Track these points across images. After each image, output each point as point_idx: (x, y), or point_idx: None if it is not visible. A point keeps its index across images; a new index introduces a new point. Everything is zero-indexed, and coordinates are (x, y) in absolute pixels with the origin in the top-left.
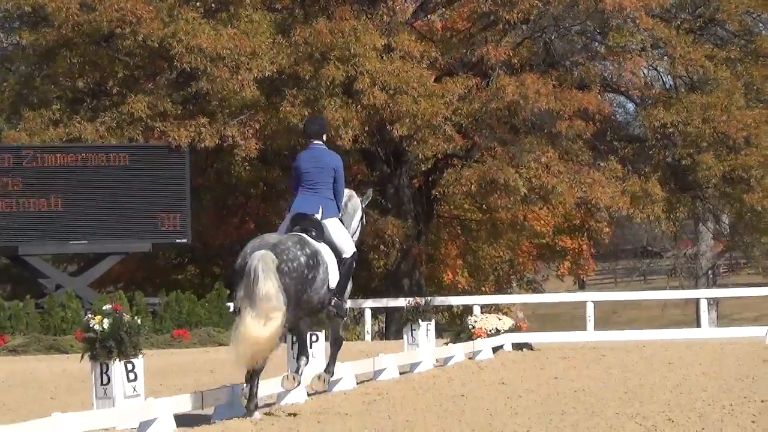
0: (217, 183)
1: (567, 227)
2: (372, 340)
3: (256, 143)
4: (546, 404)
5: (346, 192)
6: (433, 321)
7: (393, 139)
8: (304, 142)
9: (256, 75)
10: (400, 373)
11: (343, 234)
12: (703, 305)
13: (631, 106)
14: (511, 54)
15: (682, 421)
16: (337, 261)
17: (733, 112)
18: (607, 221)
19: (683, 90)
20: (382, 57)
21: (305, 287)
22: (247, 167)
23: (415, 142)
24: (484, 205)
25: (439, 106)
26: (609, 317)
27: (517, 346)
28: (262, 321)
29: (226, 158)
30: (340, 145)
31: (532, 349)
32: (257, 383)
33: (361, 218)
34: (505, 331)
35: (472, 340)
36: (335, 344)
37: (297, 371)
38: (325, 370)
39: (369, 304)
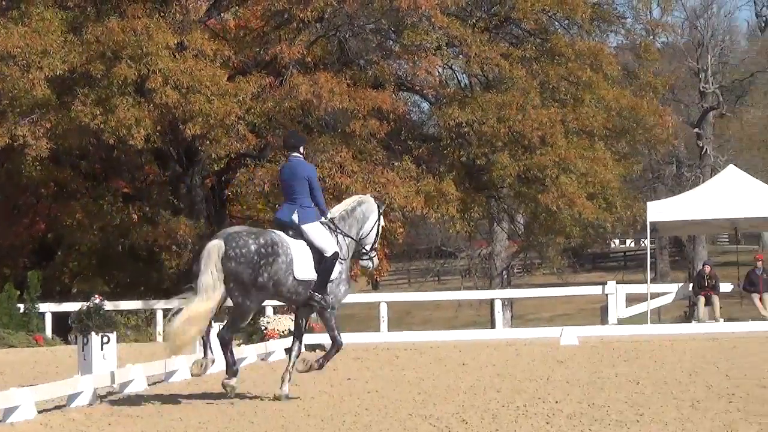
0: (7, 183)
1: None
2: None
3: (47, 143)
4: (339, 406)
5: (357, 198)
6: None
7: (185, 139)
8: (285, 154)
9: (47, 74)
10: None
11: (322, 235)
12: (498, 306)
13: (425, 105)
14: (305, 53)
15: (475, 422)
16: (319, 259)
17: (529, 111)
18: (401, 221)
19: (478, 89)
20: (174, 56)
21: (258, 271)
22: (38, 167)
23: (208, 142)
24: (277, 205)
25: (232, 105)
26: (403, 318)
27: (311, 347)
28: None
29: (16, 158)
30: (132, 144)
31: (324, 350)
32: (231, 352)
33: (377, 222)
34: None
35: (265, 341)
36: (334, 345)
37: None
38: (317, 359)
39: (161, 305)
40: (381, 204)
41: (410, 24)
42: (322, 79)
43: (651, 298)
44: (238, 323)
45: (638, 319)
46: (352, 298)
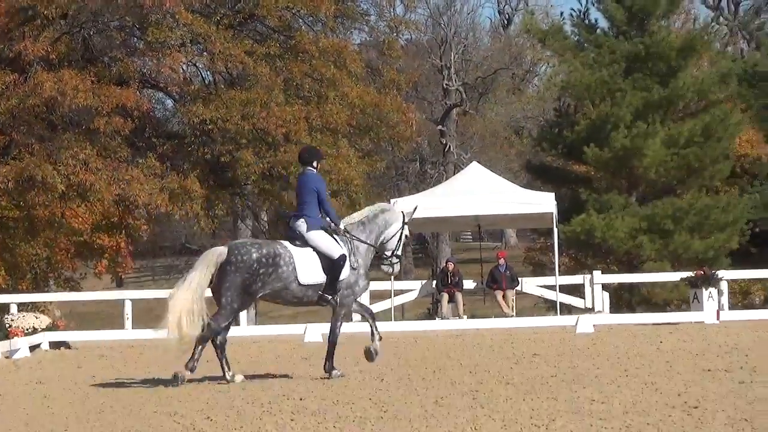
0: None
1: (105, 225)
2: None
3: None
4: (84, 403)
5: (380, 206)
6: None
7: None
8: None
9: None
10: None
11: (325, 241)
12: None
13: (170, 103)
14: (49, 49)
15: (221, 419)
16: (328, 262)
17: (273, 108)
18: (146, 218)
19: (223, 86)
20: None
21: (255, 278)
22: None
23: None
24: (21, 203)
25: None
26: (148, 315)
27: (55, 345)
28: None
29: None
30: None
31: (69, 348)
32: (225, 357)
33: (400, 230)
34: (43, 330)
35: (9, 338)
36: (330, 340)
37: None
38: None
39: None
40: (407, 214)
41: (155, 21)
42: (66, 76)
43: (395, 295)
44: (222, 322)
45: (382, 315)
46: (95, 296)
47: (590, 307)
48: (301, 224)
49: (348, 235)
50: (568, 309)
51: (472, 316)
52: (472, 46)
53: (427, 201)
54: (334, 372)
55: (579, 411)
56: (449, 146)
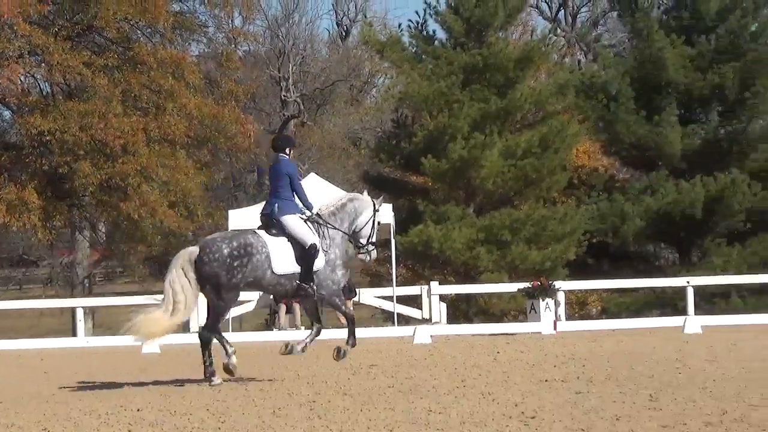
0: None
1: None
2: None
3: None
4: None
5: (349, 195)
6: None
7: None
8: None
9: None
10: None
11: (299, 227)
12: (80, 314)
13: (8, 114)
14: None
15: (58, 430)
16: (301, 252)
17: (111, 119)
18: None
19: (61, 97)
20: None
21: (231, 271)
22: None
23: None
24: None
25: None
26: None
27: None
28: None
29: None
30: None
31: None
32: (221, 335)
33: (371, 218)
34: None
35: None
36: (348, 321)
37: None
38: (347, 343)
39: None
40: (377, 202)
41: None
42: None
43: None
44: (217, 321)
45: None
46: None
47: (428, 317)
48: (277, 208)
49: (322, 221)
50: (405, 320)
51: (309, 327)
52: (310, 57)
53: None
54: (345, 349)
55: (416, 422)
56: None
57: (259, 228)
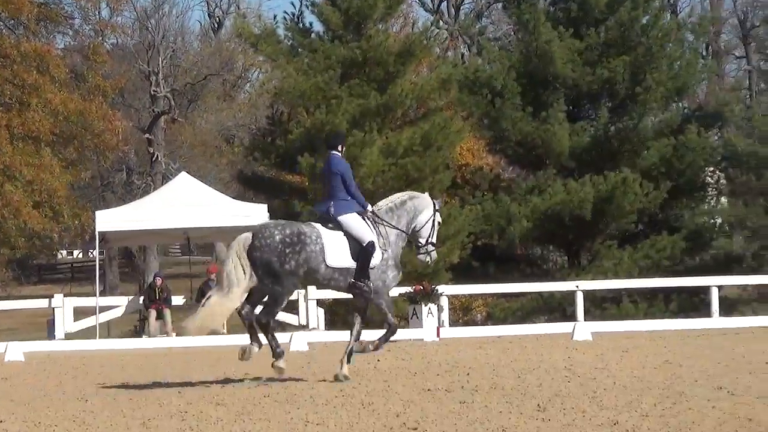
0: None
1: None
2: None
3: None
4: None
5: (408, 193)
6: None
7: None
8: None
9: None
10: None
11: (358, 225)
12: None
13: None
14: None
15: None
16: (358, 248)
17: None
18: None
19: None
20: None
21: (283, 257)
22: None
23: None
24: None
25: None
26: None
27: None
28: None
29: None
30: None
31: None
32: (273, 335)
33: (431, 217)
34: None
35: None
36: (389, 329)
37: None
38: (373, 341)
39: None
40: (437, 201)
41: None
42: None
43: (100, 312)
44: (274, 308)
45: (87, 333)
46: None
47: (305, 323)
48: (333, 208)
49: (378, 220)
50: (282, 326)
51: (180, 334)
52: (181, 50)
53: (134, 213)
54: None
55: None
56: (157, 155)
57: (316, 220)
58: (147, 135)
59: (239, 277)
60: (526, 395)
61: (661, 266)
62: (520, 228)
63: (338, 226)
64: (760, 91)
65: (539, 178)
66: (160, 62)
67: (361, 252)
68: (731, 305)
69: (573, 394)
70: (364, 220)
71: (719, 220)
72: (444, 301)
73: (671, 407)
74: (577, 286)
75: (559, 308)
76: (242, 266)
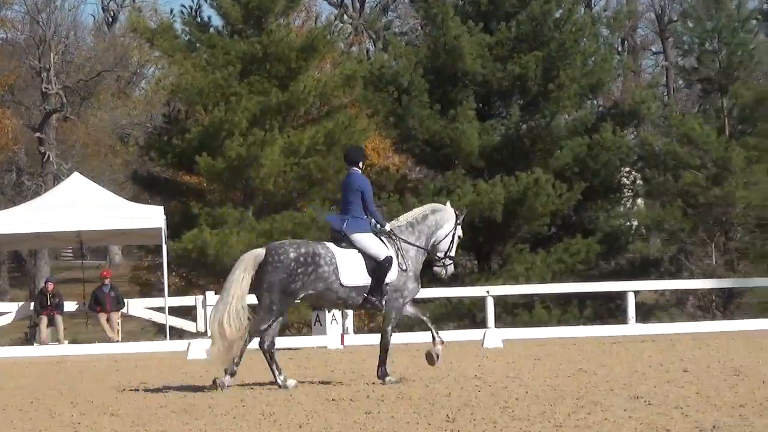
0: None
1: None
2: None
3: None
4: None
5: (431, 206)
6: None
7: None
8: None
9: None
10: None
11: (371, 243)
12: None
13: None
14: None
15: None
16: (374, 264)
17: None
18: None
19: None
20: None
21: (294, 278)
22: None
23: None
24: None
25: None
26: None
27: None
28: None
29: None
30: None
31: None
32: (275, 362)
33: (453, 230)
34: None
35: None
36: (381, 345)
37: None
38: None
39: None
40: (459, 214)
41: None
42: None
43: None
44: (259, 326)
45: None
46: None
47: (203, 331)
48: (346, 225)
49: (395, 238)
50: (179, 333)
51: (73, 341)
52: (73, 46)
53: (24, 215)
54: (387, 378)
55: None
56: (48, 155)
57: (329, 240)
58: (38, 134)
59: (242, 289)
60: (434, 405)
61: (575, 271)
62: None
63: (351, 244)
64: (678, 88)
65: (447, 179)
66: (52, 58)
67: (378, 267)
68: (648, 311)
69: (483, 404)
70: (380, 238)
71: (635, 223)
72: None
73: (586, 417)
74: (487, 292)
75: (468, 314)
76: (250, 279)
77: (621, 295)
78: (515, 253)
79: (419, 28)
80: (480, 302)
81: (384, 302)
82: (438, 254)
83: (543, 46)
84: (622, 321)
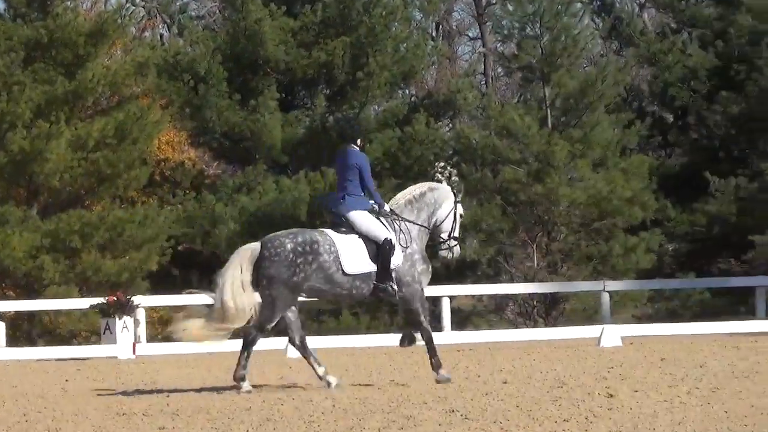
0: None
1: None
2: None
3: None
4: None
5: (426, 184)
6: None
7: None
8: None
9: None
10: None
11: (369, 223)
12: None
13: None
14: None
15: None
16: (375, 249)
17: None
18: None
19: None
20: None
21: (294, 270)
22: None
23: None
24: None
25: None
26: None
27: None
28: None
29: None
30: None
31: None
32: (311, 356)
33: (452, 209)
34: None
35: None
36: (423, 337)
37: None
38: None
39: None
40: (457, 192)
41: None
42: None
43: None
44: (266, 323)
45: None
46: None
47: None
48: (342, 204)
49: (395, 216)
50: None
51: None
52: None
53: None
54: (441, 372)
55: None
56: None
57: (327, 226)
58: None
59: (228, 296)
60: (233, 419)
61: None
62: (226, 231)
63: (351, 229)
64: (497, 76)
65: (248, 175)
66: None
67: (379, 251)
68: (465, 318)
69: (287, 418)
70: (379, 219)
71: None
72: (141, 314)
73: None
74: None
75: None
76: (241, 282)
77: (435, 301)
78: None
79: (217, 11)
80: None
81: (395, 290)
82: (442, 236)
83: (351, 31)
84: (437, 329)
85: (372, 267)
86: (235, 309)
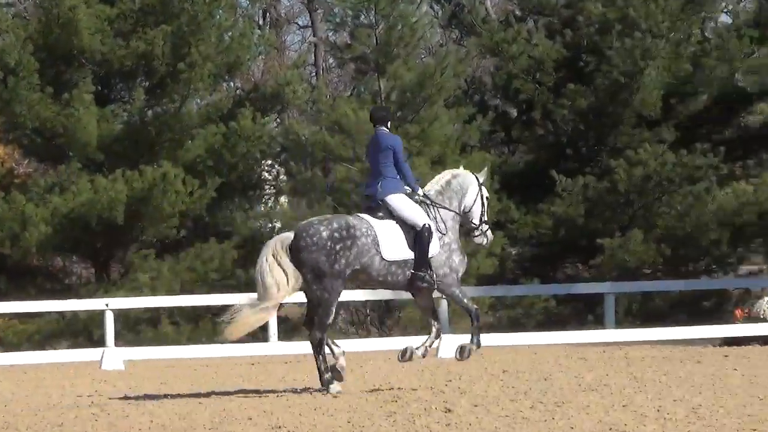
0: None
1: None
2: None
3: None
4: None
5: (449, 172)
6: None
7: None
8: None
9: None
10: None
11: (408, 206)
12: None
13: None
14: None
15: None
16: (413, 233)
17: None
18: None
19: None
20: None
21: (333, 256)
22: None
23: None
24: None
25: None
26: None
27: None
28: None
29: None
30: None
31: None
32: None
33: (479, 193)
34: None
35: None
36: (473, 318)
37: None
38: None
39: None
40: (479, 175)
41: None
42: None
43: None
44: (325, 318)
45: None
46: None
47: None
48: (380, 188)
49: (430, 202)
50: None
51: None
52: None
53: None
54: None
55: None
56: None
57: (363, 211)
58: None
59: (270, 282)
60: None
61: (208, 280)
62: (37, 234)
63: (388, 215)
64: (329, 67)
65: (61, 174)
66: None
67: (418, 238)
68: (293, 327)
69: None
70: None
71: (278, 224)
72: None
73: None
74: (106, 305)
75: (84, 331)
76: (281, 267)
77: None
78: (139, 261)
79: None
80: (98, 317)
81: (434, 279)
82: (474, 222)
83: (172, 18)
84: (263, 339)
85: (410, 254)
86: (274, 283)
